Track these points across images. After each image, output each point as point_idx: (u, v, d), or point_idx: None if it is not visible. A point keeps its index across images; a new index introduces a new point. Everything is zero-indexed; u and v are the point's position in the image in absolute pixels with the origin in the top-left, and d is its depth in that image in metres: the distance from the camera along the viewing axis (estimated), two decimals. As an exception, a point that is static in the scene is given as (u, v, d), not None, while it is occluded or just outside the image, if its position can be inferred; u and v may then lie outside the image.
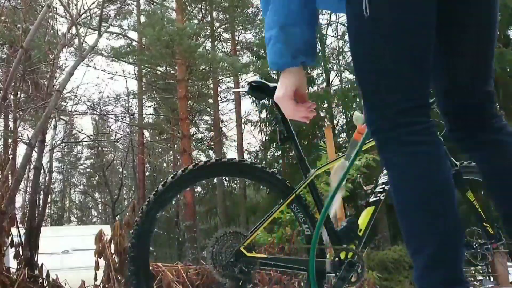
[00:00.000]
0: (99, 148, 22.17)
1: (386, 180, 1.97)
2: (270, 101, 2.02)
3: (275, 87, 1.90)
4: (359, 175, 4.16)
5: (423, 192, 1.08)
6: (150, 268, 1.78)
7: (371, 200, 1.93)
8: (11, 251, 3.53)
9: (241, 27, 17.44)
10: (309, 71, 15.53)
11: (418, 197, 1.08)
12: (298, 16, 1.23)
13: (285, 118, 1.94)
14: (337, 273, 1.77)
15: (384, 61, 1.13)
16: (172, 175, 1.76)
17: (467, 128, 1.27)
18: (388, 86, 1.13)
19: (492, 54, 1.26)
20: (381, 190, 1.94)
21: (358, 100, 13.53)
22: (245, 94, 17.05)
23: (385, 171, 1.99)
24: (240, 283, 1.68)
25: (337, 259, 1.80)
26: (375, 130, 1.15)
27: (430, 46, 1.14)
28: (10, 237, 3.45)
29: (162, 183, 1.75)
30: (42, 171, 4.43)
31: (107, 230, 3.85)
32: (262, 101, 15.81)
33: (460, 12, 1.22)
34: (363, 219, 1.91)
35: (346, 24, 1.26)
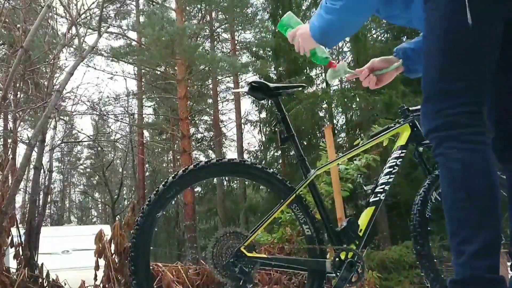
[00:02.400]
0: (99, 148, 22.17)
1: (386, 181, 1.97)
2: (270, 101, 2.03)
3: (275, 87, 1.92)
4: (359, 175, 4.16)
5: (481, 187, 1.19)
6: (150, 268, 1.78)
7: (371, 200, 1.93)
8: (11, 251, 3.53)
9: (240, 27, 17.43)
10: (309, 71, 15.54)
11: (477, 191, 1.19)
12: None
13: (285, 118, 1.94)
14: (338, 273, 1.77)
15: (463, 66, 1.26)
16: (173, 175, 1.76)
17: (508, 141, 1.38)
18: (459, 88, 1.25)
19: None
20: (381, 190, 1.94)
21: (358, 100, 13.52)
22: (245, 94, 17.04)
23: (385, 172, 2.00)
24: (241, 283, 1.68)
25: (337, 259, 1.80)
26: (437, 127, 1.27)
27: (494, 64, 1.27)
28: (10, 237, 3.45)
29: (163, 183, 1.75)
30: (42, 171, 4.42)
31: (107, 230, 3.85)
32: (262, 100, 15.80)
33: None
34: (363, 219, 1.91)
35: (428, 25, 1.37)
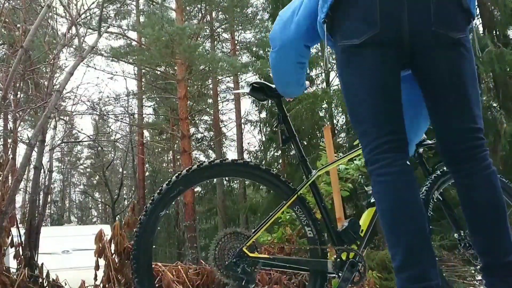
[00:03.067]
0: (99, 148, 22.16)
1: None
2: (271, 101, 2.03)
3: (276, 88, 1.91)
4: (360, 176, 4.16)
5: (393, 213, 1.38)
6: (152, 266, 1.78)
7: (372, 201, 1.93)
8: (11, 251, 3.53)
9: (240, 27, 17.42)
10: (309, 71, 15.51)
11: (390, 218, 1.39)
12: None
13: (287, 119, 1.94)
14: (339, 274, 1.77)
15: (357, 108, 1.51)
16: (177, 175, 1.77)
17: (454, 165, 1.51)
18: (364, 129, 1.49)
19: (468, 98, 1.47)
20: None
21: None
22: (245, 95, 17.05)
23: None
24: (243, 283, 1.68)
25: (339, 259, 1.80)
26: (365, 165, 1.49)
27: (385, 94, 1.46)
28: (10, 237, 3.45)
29: (167, 182, 1.76)
30: (42, 171, 4.42)
31: (107, 230, 3.85)
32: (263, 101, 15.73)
33: (425, 71, 1.50)
34: (365, 220, 1.91)
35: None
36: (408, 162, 1.44)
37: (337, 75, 1.57)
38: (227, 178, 18.24)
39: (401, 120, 1.47)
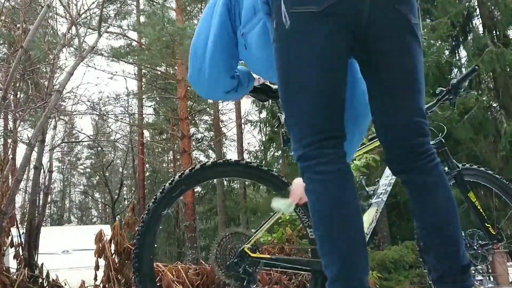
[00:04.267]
0: (99, 148, 22.17)
1: (388, 181, 1.97)
2: (271, 101, 2.02)
3: (277, 89, 1.90)
4: (361, 176, 4.16)
5: (331, 216, 1.21)
6: (154, 265, 1.78)
7: (373, 201, 1.93)
8: (11, 251, 3.53)
9: (241, 27, 17.39)
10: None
11: (327, 221, 1.22)
12: None
13: None
14: None
15: (297, 91, 1.27)
16: (180, 174, 1.77)
17: (397, 164, 1.35)
18: (301, 119, 1.27)
19: (413, 92, 1.30)
20: (383, 191, 1.94)
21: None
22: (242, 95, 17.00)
23: (387, 173, 2.00)
24: (245, 284, 1.68)
25: None
26: (297, 159, 1.29)
27: (332, 82, 1.25)
28: (10, 237, 3.45)
29: (169, 181, 1.76)
30: (42, 171, 4.42)
31: (107, 230, 3.85)
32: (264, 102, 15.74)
33: (377, 58, 1.29)
34: (366, 220, 1.91)
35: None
36: (347, 161, 1.31)
37: (274, 48, 1.28)
38: (227, 178, 18.26)
39: (343, 114, 1.29)
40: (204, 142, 21.77)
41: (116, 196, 22.58)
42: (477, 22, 11.31)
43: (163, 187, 1.76)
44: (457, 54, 11.62)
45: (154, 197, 1.74)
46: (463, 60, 11.40)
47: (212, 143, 20.13)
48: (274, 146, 15.69)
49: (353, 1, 1.21)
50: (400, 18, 1.26)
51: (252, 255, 1.72)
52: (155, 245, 1.76)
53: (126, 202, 26.00)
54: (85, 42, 4.96)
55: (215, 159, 1.88)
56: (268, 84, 1.94)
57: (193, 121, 18.34)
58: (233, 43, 1.57)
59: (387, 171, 1.99)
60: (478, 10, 11.04)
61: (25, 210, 4.34)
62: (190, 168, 1.79)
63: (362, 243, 1.23)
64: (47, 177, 5.02)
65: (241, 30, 1.52)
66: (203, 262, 3.96)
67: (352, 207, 1.23)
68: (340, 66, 1.27)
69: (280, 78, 1.31)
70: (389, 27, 1.26)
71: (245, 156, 18.20)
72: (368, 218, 1.91)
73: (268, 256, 1.92)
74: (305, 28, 1.23)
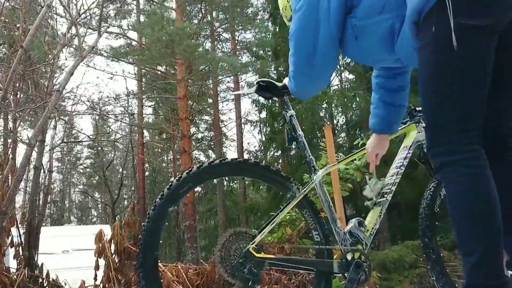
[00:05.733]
0: (99, 148, 22.17)
1: (393, 181, 1.96)
2: (270, 101, 2.02)
3: (282, 87, 1.90)
4: (366, 175, 4.16)
5: (475, 206, 1.35)
6: (158, 262, 1.77)
7: (377, 201, 1.92)
8: (11, 251, 3.53)
9: (241, 27, 17.41)
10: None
11: (471, 211, 1.35)
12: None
13: (293, 118, 1.94)
14: (345, 274, 1.76)
15: (454, 95, 1.39)
16: (187, 171, 1.77)
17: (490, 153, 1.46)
18: (454, 117, 1.39)
19: None
20: (388, 190, 1.94)
21: (357, 99, 13.51)
22: (245, 94, 17.03)
23: (391, 172, 1.99)
24: (249, 284, 1.68)
25: (344, 260, 1.79)
26: (437, 153, 1.42)
27: (487, 84, 1.39)
28: (10, 237, 3.45)
29: (177, 178, 1.76)
30: (42, 171, 4.42)
31: (107, 230, 3.85)
32: (262, 100, 15.81)
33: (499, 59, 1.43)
34: (370, 220, 1.91)
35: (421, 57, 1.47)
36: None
37: (434, 55, 1.40)
38: (227, 178, 18.26)
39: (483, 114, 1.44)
40: (204, 142, 21.78)
41: (116, 196, 22.58)
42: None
43: (170, 183, 1.76)
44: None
45: (161, 193, 1.73)
46: None
47: (212, 143, 20.14)
48: (274, 146, 15.69)
49: (503, 19, 1.37)
50: None
51: (257, 255, 1.71)
52: (160, 241, 1.75)
53: (126, 202, 26.01)
54: (85, 42, 4.97)
55: (223, 158, 1.88)
56: (273, 81, 1.93)
57: (193, 121, 18.33)
58: (341, 30, 1.69)
59: (392, 171, 1.99)
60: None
61: (25, 210, 4.34)
62: (198, 165, 1.79)
63: (501, 235, 1.34)
64: (47, 177, 5.03)
65: (354, 22, 1.64)
66: (203, 262, 3.96)
67: (496, 200, 1.36)
68: (491, 71, 1.40)
69: (438, 81, 1.42)
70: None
71: (245, 156, 18.20)
72: (373, 218, 1.91)
73: (273, 256, 1.91)
74: (470, 38, 1.35)
